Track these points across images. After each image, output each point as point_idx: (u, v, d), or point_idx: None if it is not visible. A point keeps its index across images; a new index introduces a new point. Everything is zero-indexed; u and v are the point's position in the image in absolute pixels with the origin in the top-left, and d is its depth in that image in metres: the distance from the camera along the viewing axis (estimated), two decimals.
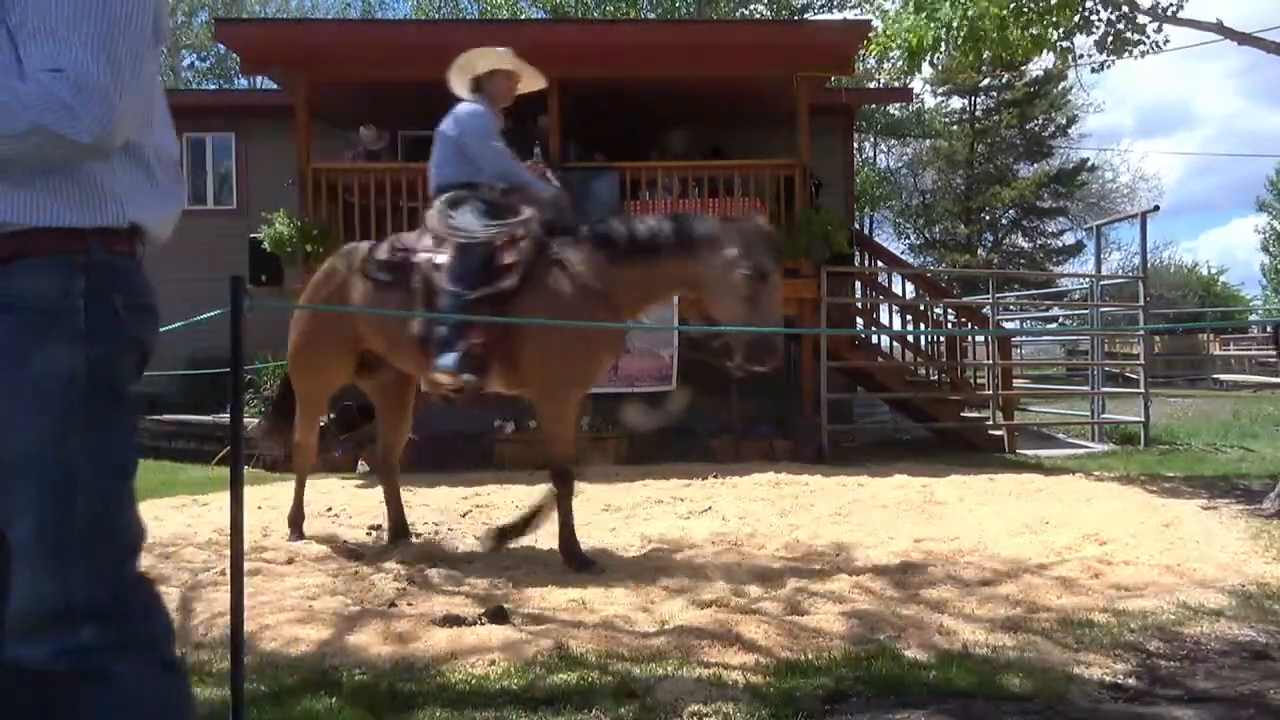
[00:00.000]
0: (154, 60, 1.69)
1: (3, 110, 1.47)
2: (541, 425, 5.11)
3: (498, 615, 3.61)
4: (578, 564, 4.57)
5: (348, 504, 6.58)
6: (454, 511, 6.32)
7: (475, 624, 3.55)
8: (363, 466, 8.77)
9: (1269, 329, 8.93)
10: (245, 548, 2.68)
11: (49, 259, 1.56)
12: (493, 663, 3.13)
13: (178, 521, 5.88)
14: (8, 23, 1.52)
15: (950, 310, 11.65)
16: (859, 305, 11.33)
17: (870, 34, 8.43)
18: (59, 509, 1.53)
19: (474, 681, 3.00)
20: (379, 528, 5.71)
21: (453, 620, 3.58)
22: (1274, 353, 10.30)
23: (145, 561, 4.76)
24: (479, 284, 4.65)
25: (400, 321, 4.81)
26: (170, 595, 4.05)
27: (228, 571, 2.99)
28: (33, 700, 1.57)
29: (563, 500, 4.72)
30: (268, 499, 6.75)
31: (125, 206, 1.64)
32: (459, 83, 5.18)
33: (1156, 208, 20.82)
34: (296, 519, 5.56)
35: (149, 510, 6.34)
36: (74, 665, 1.51)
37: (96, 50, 1.52)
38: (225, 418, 8.69)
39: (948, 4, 7.35)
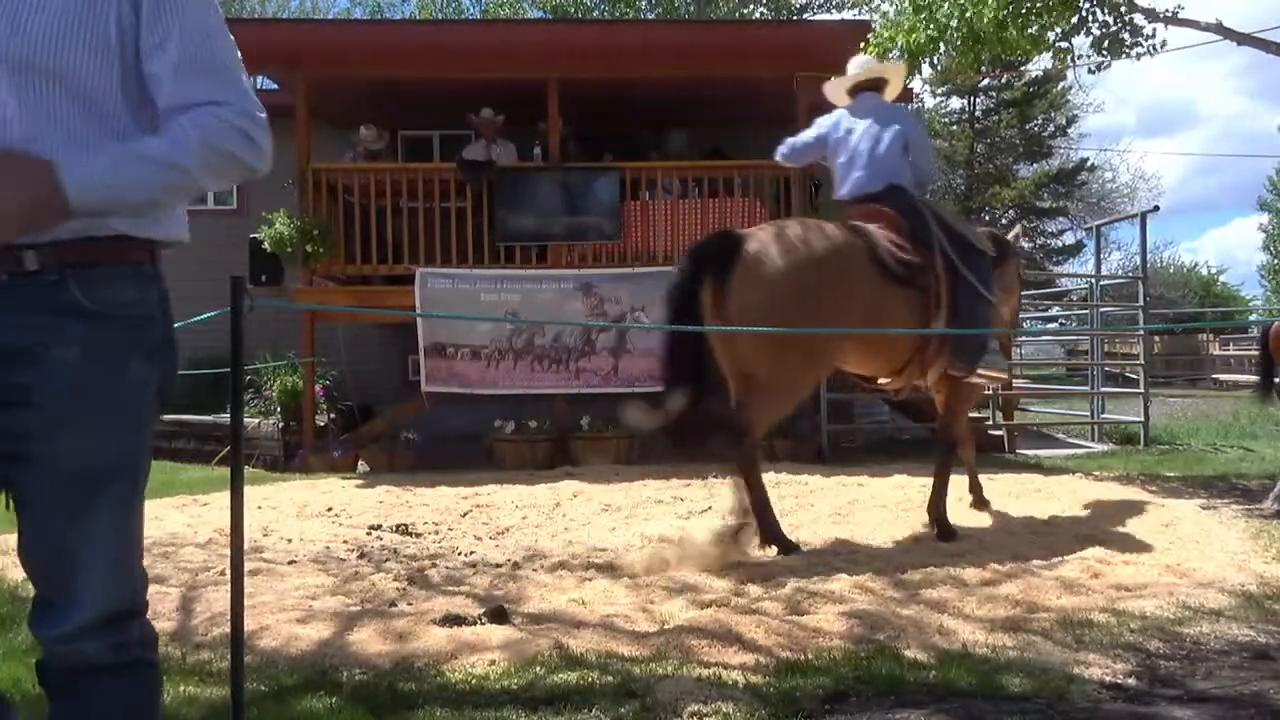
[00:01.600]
0: None
1: (210, 152, 1.56)
2: (951, 406, 5.54)
3: (498, 615, 3.61)
4: (942, 531, 5.10)
5: (348, 504, 6.58)
6: (454, 511, 6.32)
7: (475, 624, 3.55)
8: (363, 466, 8.77)
9: (1256, 330, 9.03)
10: (245, 548, 2.68)
11: (130, 268, 1.61)
12: (493, 663, 3.13)
13: (178, 521, 5.88)
14: (144, 43, 1.58)
15: None
16: None
17: (869, 34, 8.43)
18: (134, 514, 1.63)
19: (474, 681, 3.00)
20: (379, 527, 5.71)
21: (453, 620, 3.58)
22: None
23: (145, 561, 4.77)
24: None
25: (918, 320, 4.91)
26: (170, 595, 4.05)
27: (228, 571, 2.99)
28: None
29: (942, 471, 5.27)
30: (267, 499, 6.75)
31: (182, 224, 1.72)
32: (840, 87, 5.44)
33: (1156, 208, 20.81)
34: (774, 529, 4.77)
35: (149, 510, 6.31)
36: (122, 658, 1.60)
37: (240, 81, 1.62)
38: (225, 418, 8.69)
39: (946, 4, 7.36)
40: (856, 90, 5.37)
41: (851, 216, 5.14)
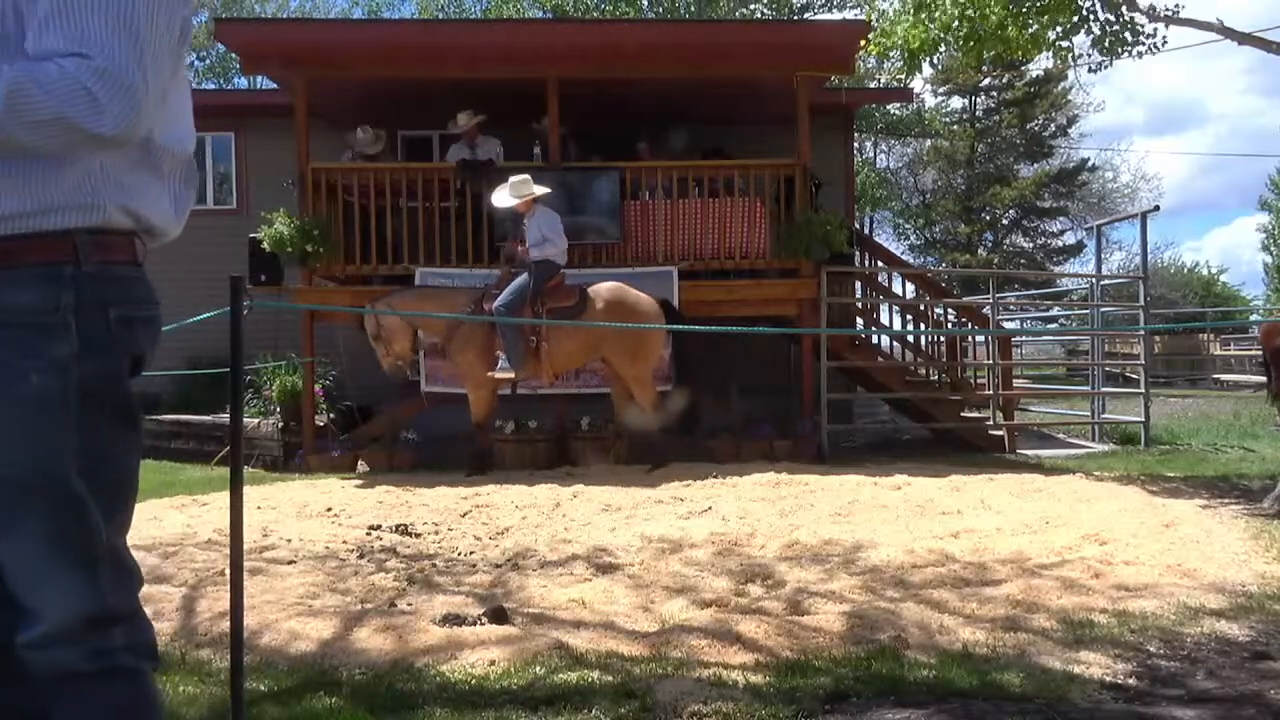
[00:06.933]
0: (179, 49, 1.61)
1: (25, 96, 1.38)
2: None
3: (498, 615, 3.62)
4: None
5: (348, 504, 6.58)
6: (454, 511, 6.31)
7: (475, 624, 3.55)
8: (363, 466, 8.76)
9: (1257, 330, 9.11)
10: (245, 547, 2.68)
11: (35, 270, 1.49)
12: (493, 663, 3.13)
13: (178, 521, 5.88)
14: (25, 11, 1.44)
15: (950, 310, 11.65)
16: (859, 305, 11.33)
17: (869, 34, 8.42)
18: (74, 524, 1.53)
19: (474, 681, 3.00)
20: (379, 527, 5.71)
21: (453, 620, 3.58)
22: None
23: (147, 562, 4.78)
24: None
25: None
26: (171, 595, 4.05)
27: (228, 571, 2.99)
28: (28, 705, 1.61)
29: None
30: (267, 499, 6.75)
31: (139, 205, 1.58)
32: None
33: (1157, 208, 20.86)
34: None
35: (149, 510, 6.33)
36: (102, 665, 1.56)
37: (121, 33, 1.43)
38: (225, 418, 8.68)
39: (947, 2, 7.36)
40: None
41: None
